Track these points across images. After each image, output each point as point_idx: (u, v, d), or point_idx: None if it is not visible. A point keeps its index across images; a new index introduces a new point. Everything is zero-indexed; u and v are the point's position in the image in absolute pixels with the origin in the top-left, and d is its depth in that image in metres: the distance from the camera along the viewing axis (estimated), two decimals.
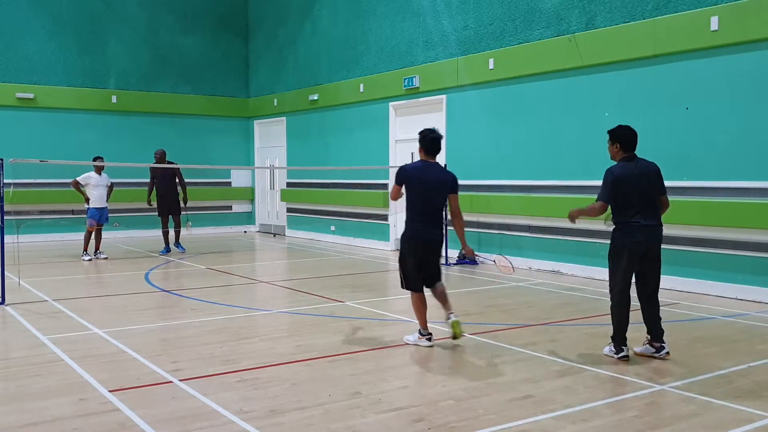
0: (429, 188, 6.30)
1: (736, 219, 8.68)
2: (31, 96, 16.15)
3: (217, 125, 18.83)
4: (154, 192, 13.90)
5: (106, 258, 12.90)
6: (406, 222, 6.45)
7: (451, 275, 11.05)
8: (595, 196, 10.61)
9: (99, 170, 12.89)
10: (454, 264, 12.04)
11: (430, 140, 6.45)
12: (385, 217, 14.49)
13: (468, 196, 12.40)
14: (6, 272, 8.63)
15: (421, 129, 6.58)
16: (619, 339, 5.91)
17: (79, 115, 16.73)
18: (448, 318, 6.29)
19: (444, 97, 13.03)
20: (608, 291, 6.04)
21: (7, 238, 8.68)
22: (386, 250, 14.24)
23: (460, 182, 12.20)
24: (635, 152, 5.99)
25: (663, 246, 9.29)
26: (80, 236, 13.59)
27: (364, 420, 4.44)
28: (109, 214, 13.21)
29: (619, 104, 10.04)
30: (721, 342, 6.54)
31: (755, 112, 8.57)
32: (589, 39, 10.40)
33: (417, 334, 6.44)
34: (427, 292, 6.51)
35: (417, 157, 6.66)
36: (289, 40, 17.69)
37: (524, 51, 11.38)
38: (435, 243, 6.44)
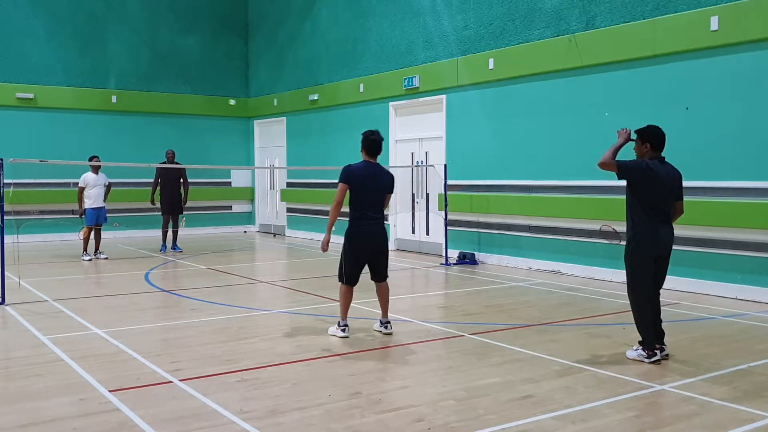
0: (374, 187, 6.64)
1: (736, 219, 8.68)
2: (31, 96, 16.15)
3: (217, 125, 18.83)
4: (157, 191, 13.99)
5: (106, 258, 12.90)
6: (352, 220, 6.67)
7: (451, 275, 11.06)
8: (596, 196, 10.63)
9: (96, 170, 12.88)
10: (454, 264, 12.05)
11: (371, 142, 6.71)
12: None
13: (468, 196, 12.42)
14: (6, 272, 8.63)
15: (364, 131, 6.84)
16: (650, 342, 5.78)
17: (79, 115, 16.73)
18: (384, 326, 6.77)
19: (444, 97, 13.03)
20: (627, 293, 5.94)
21: (7, 238, 8.68)
22: None
23: (460, 182, 12.42)
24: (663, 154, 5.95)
25: None
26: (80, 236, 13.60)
27: (364, 420, 4.44)
28: (109, 215, 13.20)
29: (619, 104, 10.04)
30: (721, 342, 6.54)
31: (755, 112, 8.57)
32: (589, 39, 10.40)
33: (336, 326, 6.72)
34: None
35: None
36: (289, 40, 17.69)
37: (524, 51, 11.38)
38: (384, 238, 6.79)
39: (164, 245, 14.08)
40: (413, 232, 14.05)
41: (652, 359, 5.73)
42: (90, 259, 12.68)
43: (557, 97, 10.96)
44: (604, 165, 5.75)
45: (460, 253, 12.35)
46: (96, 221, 12.80)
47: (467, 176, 12.47)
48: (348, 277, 6.67)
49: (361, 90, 15.05)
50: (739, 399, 4.83)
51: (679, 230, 9.24)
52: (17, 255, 10.16)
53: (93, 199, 12.76)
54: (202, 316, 7.78)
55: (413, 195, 13.93)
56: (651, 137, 5.88)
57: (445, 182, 12.20)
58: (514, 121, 11.67)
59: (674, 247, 9.12)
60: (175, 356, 6.02)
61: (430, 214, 13.61)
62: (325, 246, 6.63)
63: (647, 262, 5.80)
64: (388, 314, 6.90)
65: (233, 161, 18.77)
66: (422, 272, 11.50)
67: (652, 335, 5.78)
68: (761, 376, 5.39)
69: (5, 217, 8.43)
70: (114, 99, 17.20)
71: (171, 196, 13.95)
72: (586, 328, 7.12)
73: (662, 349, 5.88)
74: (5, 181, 8.53)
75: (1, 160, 8.38)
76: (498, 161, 11.94)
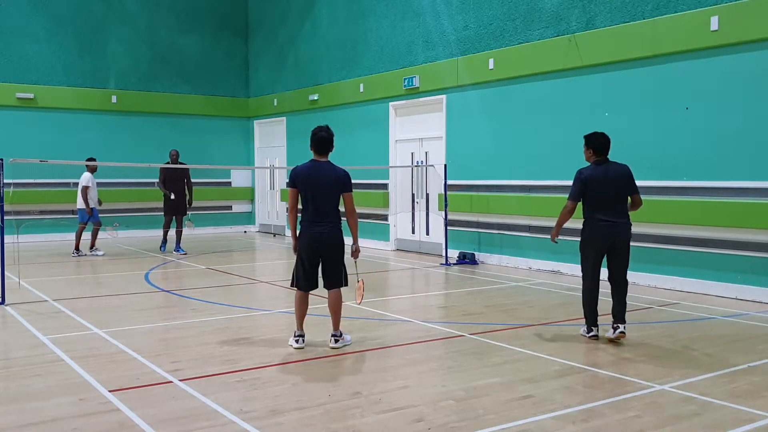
0: (319, 187, 6.16)
1: (736, 219, 8.68)
2: (31, 96, 16.15)
3: (217, 125, 18.83)
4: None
5: (78, 258, 12.95)
6: (300, 222, 6.34)
7: (451, 275, 11.06)
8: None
9: (93, 170, 13.07)
10: (454, 264, 12.05)
11: (318, 139, 6.26)
12: (385, 217, 14.49)
13: (468, 196, 12.43)
14: (6, 272, 8.63)
15: (314, 127, 6.39)
16: (590, 320, 6.56)
17: (79, 115, 16.73)
18: (332, 339, 6.33)
19: (444, 97, 13.03)
20: (582, 279, 6.69)
21: (7, 238, 8.68)
22: (386, 250, 14.24)
23: (460, 182, 12.41)
24: (607, 156, 6.59)
25: (663, 246, 9.40)
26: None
27: (364, 420, 4.44)
28: (109, 215, 13.40)
29: (619, 104, 10.04)
30: (721, 342, 6.54)
31: (755, 112, 8.57)
32: (589, 39, 10.40)
33: (292, 335, 6.42)
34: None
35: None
36: (289, 40, 17.69)
37: (524, 51, 11.38)
38: (326, 240, 6.22)
39: (164, 244, 14.08)
40: (413, 232, 14.05)
41: (589, 335, 6.53)
42: (104, 254, 12.98)
43: (557, 97, 10.95)
44: (571, 213, 6.63)
45: (460, 253, 12.35)
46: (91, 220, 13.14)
47: (467, 176, 12.47)
48: (295, 279, 6.39)
49: (361, 90, 15.05)
50: (739, 399, 4.83)
51: (679, 230, 9.33)
52: (17, 255, 10.17)
53: (93, 199, 13.09)
54: (202, 316, 7.78)
55: (413, 195, 13.93)
56: (593, 143, 6.59)
57: (445, 182, 12.20)
58: (513, 121, 11.67)
59: (674, 247, 9.24)
60: (175, 356, 6.02)
61: (430, 214, 13.61)
62: (295, 249, 6.42)
63: (591, 254, 6.52)
64: (336, 327, 6.40)
65: (233, 161, 18.77)
66: (422, 272, 11.50)
67: (591, 315, 6.53)
68: (761, 376, 5.38)
69: (5, 217, 8.43)
70: (114, 99, 17.20)
71: (175, 196, 13.93)
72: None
73: (617, 327, 6.35)
74: (5, 181, 8.53)
75: (1, 160, 8.39)
76: (498, 161, 11.94)
